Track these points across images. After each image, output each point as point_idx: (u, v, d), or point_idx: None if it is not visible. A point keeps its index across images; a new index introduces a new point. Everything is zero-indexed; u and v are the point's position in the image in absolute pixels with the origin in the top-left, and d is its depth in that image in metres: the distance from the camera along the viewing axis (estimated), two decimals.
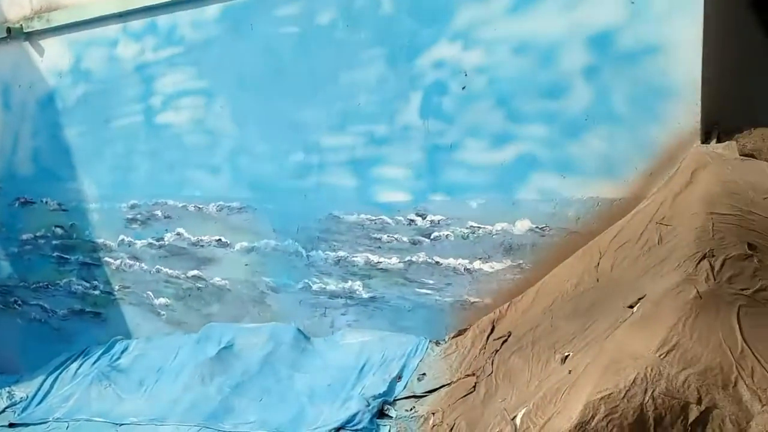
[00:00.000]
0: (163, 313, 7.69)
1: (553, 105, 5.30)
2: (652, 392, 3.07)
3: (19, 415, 6.69)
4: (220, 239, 7.19)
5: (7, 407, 6.92)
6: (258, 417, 5.57)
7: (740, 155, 4.54)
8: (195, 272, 7.43)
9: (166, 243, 7.57)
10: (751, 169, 4.36)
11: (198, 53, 7.10)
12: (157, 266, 7.69)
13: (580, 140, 5.20)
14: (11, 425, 6.50)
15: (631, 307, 3.83)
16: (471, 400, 4.52)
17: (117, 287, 8.04)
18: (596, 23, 5.08)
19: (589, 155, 5.19)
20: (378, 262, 6.25)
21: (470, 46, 5.62)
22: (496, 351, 4.80)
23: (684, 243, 3.93)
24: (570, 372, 3.65)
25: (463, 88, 5.67)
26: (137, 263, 7.83)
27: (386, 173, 6.12)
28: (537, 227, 5.45)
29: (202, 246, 7.33)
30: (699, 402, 3.03)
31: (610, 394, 3.11)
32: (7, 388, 7.25)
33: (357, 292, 6.40)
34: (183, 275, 7.51)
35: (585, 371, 3.48)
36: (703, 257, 3.70)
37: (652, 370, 3.15)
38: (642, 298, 3.80)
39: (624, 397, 3.08)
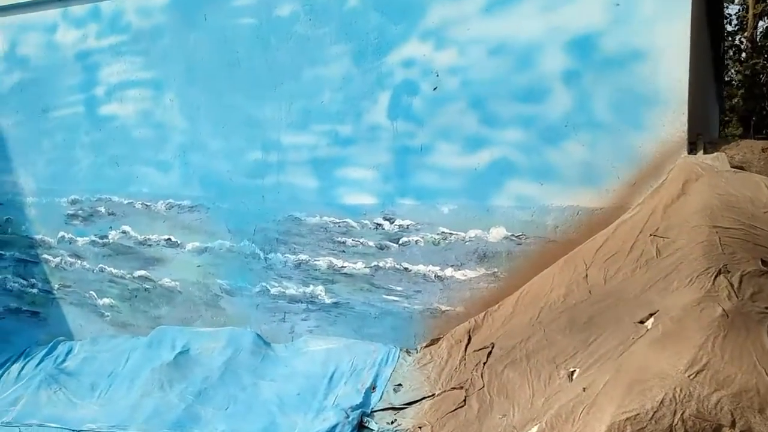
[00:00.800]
0: (107, 314, 7.33)
1: (530, 109, 5.15)
2: (682, 414, 2.96)
3: None
4: (169, 239, 6.86)
5: None
6: (227, 426, 5.32)
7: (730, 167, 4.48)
8: (142, 272, 7.09)
9: (111, 241, 7.19)
10: (745, 182, 4.30)
11: (145, 42, 6.72)
12: (101, 265, 7.32)
13: (559, 147, 5.07)
14: None
15: (642, 322, 3.72)
16: (463, 414, 4.36)
17: (57, 286, 7.64)
18: (578, 26, 4.95)
19: (569, 163, 5.07)
20: (342, 267, 6.03)
21: (442, 45, 5.43)
22: (483, 363, 4.64)
23: (691, 257, 3.83)
24: (585, 390, 3.53)
25: (435, 88, 5.47)
26: (79, 261, 7.44)
27: (351, 174, 5.88)
28: (513, 235, 5.32)
29: (150, 245, 6.98)
30: (733, 425, 2.92)
31: (636, 415, 2.99)
32: None
33: (319, 297, 6.17)
34: (129, 275, 7.16)
35: (604, 390, 3.36)
36: (719, 273, 3.61)
37: (681, 390, 3.03)
38: (654, 313, 3.69)
39: (651, 418, 2.97)
